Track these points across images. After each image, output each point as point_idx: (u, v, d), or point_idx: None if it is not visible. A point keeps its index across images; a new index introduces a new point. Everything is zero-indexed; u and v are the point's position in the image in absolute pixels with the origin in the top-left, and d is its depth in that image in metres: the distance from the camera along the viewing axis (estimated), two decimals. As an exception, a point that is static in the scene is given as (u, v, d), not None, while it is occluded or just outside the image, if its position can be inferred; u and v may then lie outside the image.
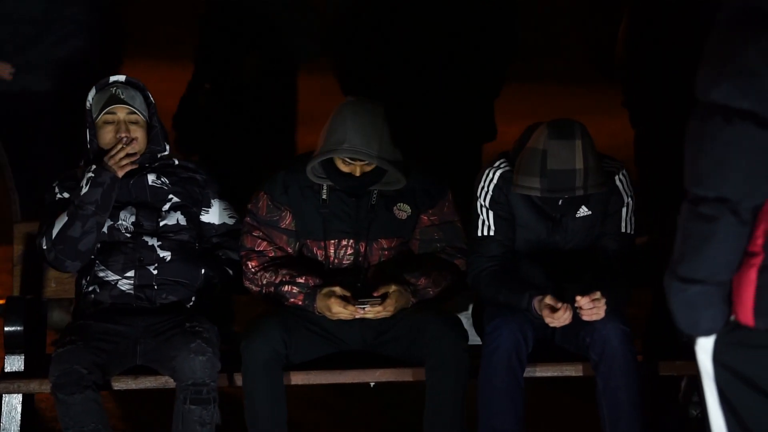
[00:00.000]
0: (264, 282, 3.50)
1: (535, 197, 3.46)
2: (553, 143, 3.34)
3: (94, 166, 3.52)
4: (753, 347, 2.14)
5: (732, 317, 2.16)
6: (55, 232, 3.51)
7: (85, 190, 3.49)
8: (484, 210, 3.52)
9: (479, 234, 3.52)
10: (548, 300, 3.36)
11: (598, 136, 3.68)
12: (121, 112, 3.57)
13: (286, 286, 3.45)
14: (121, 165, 3.50)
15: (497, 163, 3.53)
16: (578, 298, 3.33)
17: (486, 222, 3.52)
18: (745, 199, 2.11)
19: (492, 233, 3.51)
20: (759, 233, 2.12)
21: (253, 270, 3.52)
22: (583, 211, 3.51)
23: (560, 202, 3.47)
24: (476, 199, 3.53)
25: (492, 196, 3.50)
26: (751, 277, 2.13)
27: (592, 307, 3.33)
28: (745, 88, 2.09)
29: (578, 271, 3.47)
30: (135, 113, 3.56)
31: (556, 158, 3.34)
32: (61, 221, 3.51)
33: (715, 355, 2.17)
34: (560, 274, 3.50)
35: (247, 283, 3.56)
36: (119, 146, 3.50)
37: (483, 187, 3.52)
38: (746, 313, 2.13)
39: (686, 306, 2.16)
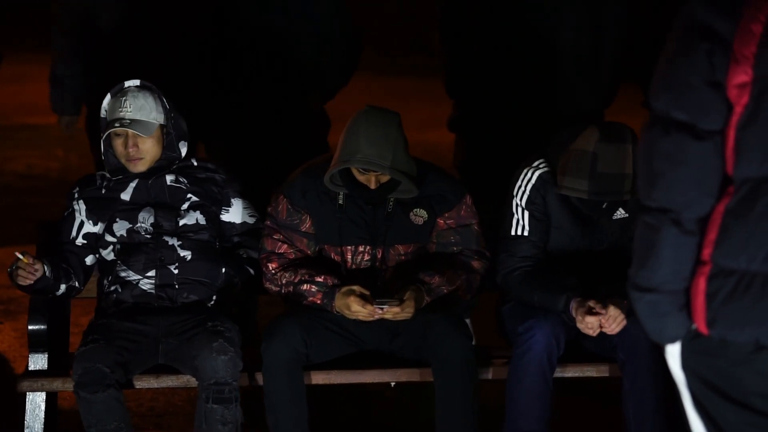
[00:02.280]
0: (283, 282, 3.52)
1: (575, 199, 3.44)
2: (604, 146, 3.32)
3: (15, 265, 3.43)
4: (712, 355, 2.15)
5: (693, 325, 2.16)
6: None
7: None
8: (519, 209, 3.51)
9: (512, 233, 3.50)
10: (591, 303, 3.33)
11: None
12: (129, 130, 3.56)
13: (305, 285, 3.47)
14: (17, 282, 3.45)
15: (536, 163, 3.50)
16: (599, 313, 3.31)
17: (521, 222, 3.51)
18: (686, 209, 2.12)
19: (526, 233, 3.50)
20: (707, 243, 2.12)
21: (272, 271, 3.54)
22: (620, 213, 3.50)
23: (604, 205, 3.46)
24: (512, 197, 3.51)
25: (529, 197, 3.48)
26: (701, 286, 2.13)
27: (612, 324, 3.32)
28: (681, 100, 2.10)
29: (611, 273, 3.43)
30: (143, 130, 3.53)
31: (607, 161, 3.32)
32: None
33: (683, 362, 2.18)
34: (592, 276, 3.48)
35: (267, 284, 3.57)
36: (17, 268, 3.42)
37: (520, 186, 3.50)
38: (700, 322, 2.14)
39: (646, 314, 2.17)
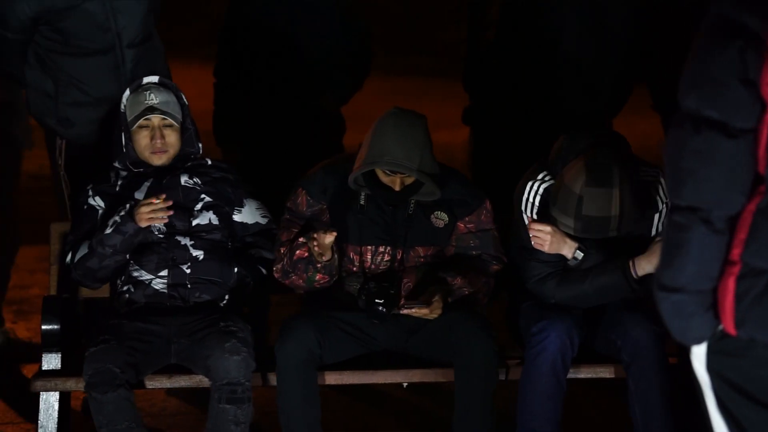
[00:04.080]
0: (285, 254, 3.50)
1: None
2: (590, 191, 3.30)
3: (123, 211, 3.49)
4: (739, 356, 2.13)
5: (720, 326, 2.15)
6: (77, 257, 3.55)
7: (108, 231, 3.49)
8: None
9: (532, 245, 3.48)
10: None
11: (631, 136, 3.67)
12: (155, 118, 3.60)
13: (297, 247, 3.45)
14: (147, 219, 3.47)
15: (540, 176, 3.50)
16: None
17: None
18: (716, 208, 2.10)
19: None
20: (737, 242, 2.11)
21: (281, 254, 3.52)
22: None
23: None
24: (521, 212, 3.50)
25: (538, 210, 3.48)
26: (730, 286, 2.11)
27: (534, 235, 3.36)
28: (713, 98, 2.08)
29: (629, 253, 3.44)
30: (169, 119, 3.59)
31: (592, 206, 3.31)
32: (83, 250, 3.54)
33: (708, 363, 2.17)
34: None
35: (277, 273, 3.53)
36: (154, 202, 3.45)
37: (527, 200, 3.49)
38: (728, 322, 2.13)
39: (672, 314, 2.16)
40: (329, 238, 3.36)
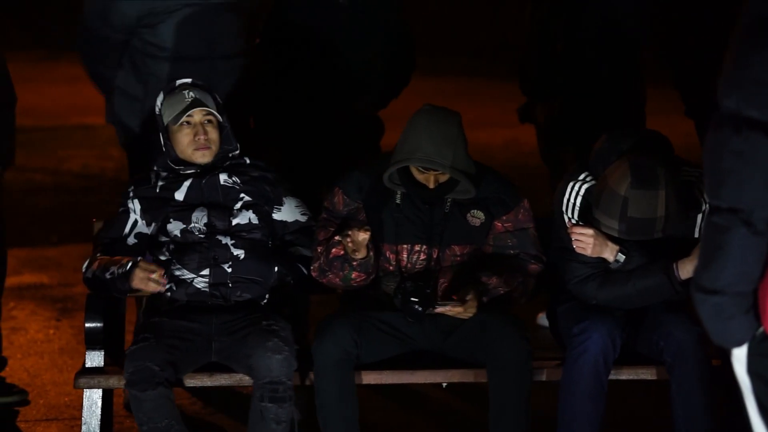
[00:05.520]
0: (322, 252, 3.51)
1: None
2: (636, 193, 3.28)
3: (122, 269, 3.47)
4: None
5: (761, 328, 2.12)
6: (87, 271, 3.59)
7: (107, 275, 3.51)
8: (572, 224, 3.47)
9: (573, 247, 3.46)
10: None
11: (673, 135, 3.65)
12: (197, 115, 3.63)
13: (333, 245, 3.46)
14: (139, 282, 3.47)
15: (582, 177, 3.48)
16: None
17: None
18: (757, 209, 2.08)
19: None
20: None
21: (319, 253, 3.54)
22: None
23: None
24: (562, 212, 3.49)
25: (580, 212, 3.46)
26: None
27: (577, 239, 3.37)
28: (754, 98, 2.06)
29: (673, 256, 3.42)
30: (211, 113, 3.63)
31: (637, 207, 3.28)
32: (92, 266, 3.56)
33: (749, 366, 2.14)
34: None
35: (314, 272, 3.54)
36: (153, 269, 3.45)
37: (569, 200, 3.48)
38: None
39: (711, 317, 2.13)
40: (363, 235, 3.37)
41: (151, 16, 4.00)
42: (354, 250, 3.41)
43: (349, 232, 3.39)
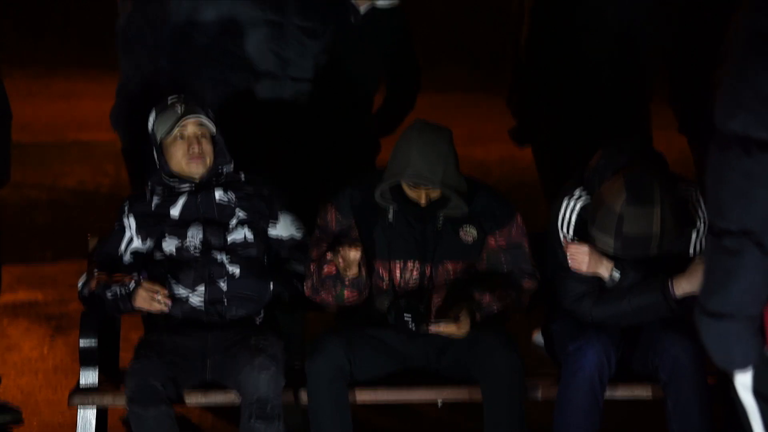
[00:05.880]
0: (314, 271, 3.50)
1: None
2: (631, 209, 3.27)
3: (124, 290, 3.49)
4: None
5: (767, 349, 2.10)
6: (84, 289, 3.58)
7: (108, 295, 3.51)
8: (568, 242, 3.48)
9: (569, 264, 3.46)
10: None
11: (669, 152, 3.65)
12: (190, 127, 3.62)
13: (324, 263, 3.46)
14: (143, 302, 3.48)
15: (576, 193, 3.48)
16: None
17: None
18: None
19: None
20: None
21: (311, 270, 3.54)
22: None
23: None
24: (558, 229, 3.49)
25: (576, 228, 3.46)
26: None
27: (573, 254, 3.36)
28: (763, 118, 2.02)
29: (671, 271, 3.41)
30: (204, 126, 3.62)
31: (633, 225, 3.28)
32: (90, 284, 3.56)
33: (755, 389, 2.11)
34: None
35: (307, 290, 3.54)
36: (156, 290, 3.47)
37: (564, 217, 3.48)
38: None
39: (717, 341, 2.09)
40: (354, 253, 3.37)
41: (234, 25, 4.06)
42: (345, 269, 3.40)
43: (340, 249, 3.38)
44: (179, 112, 3.61)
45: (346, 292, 3.47)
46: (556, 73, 4.42)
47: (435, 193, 3.48)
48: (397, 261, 3.53)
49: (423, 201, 3.48)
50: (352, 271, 3.42)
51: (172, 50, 4.09)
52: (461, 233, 3.54)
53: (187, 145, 3.61)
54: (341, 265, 3.40)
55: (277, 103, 4.09)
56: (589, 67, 4.39)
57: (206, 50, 4.09)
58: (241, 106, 4.10)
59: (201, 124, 3.62)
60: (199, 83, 4.06)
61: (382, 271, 3.55)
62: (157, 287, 3.47)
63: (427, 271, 3.53)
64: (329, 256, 3.47)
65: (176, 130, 3.61)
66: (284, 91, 4.11)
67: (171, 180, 3.65)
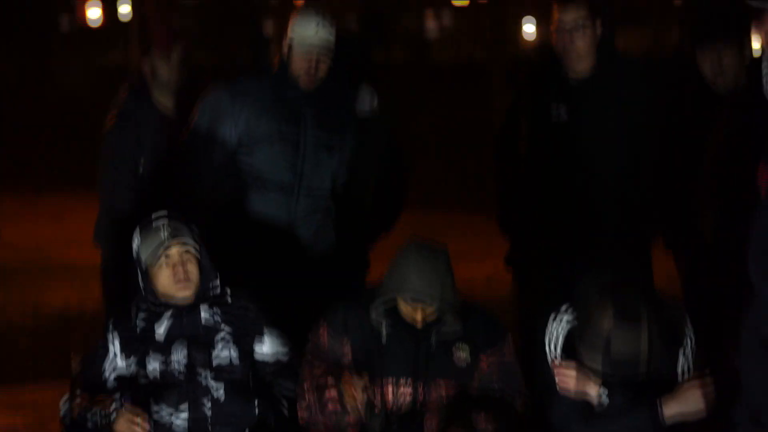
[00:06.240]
0: (310, 393, 3.47)
1: None
2: (618, 332, 3.29)
3: (114, 412, 3.48)
4: None
5: None
6: (66, 417, 3.56)
7: (91, 422, 3.50)
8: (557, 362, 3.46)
9: (557, 385, 3.44)
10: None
11: (656, 278, 3.65)
12: (175, 252, 3.61)
13: (323, 387, 3.43)
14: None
15: (563, 309, 3.48)
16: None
17: None
18: None
19: None
20: None
21: (305, 390, 3.50)
22: None
23: None
24: (545, 348, 3.48)
25: (563, 347, 3.46)
26: None
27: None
28: None
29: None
30: (189, 250, 3.61)
31: (621, 345, 3.29)
32: (72, 409, 3.53)
33: None
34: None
35: (301, 411, 3.50)
36: (136, 421, 3.47)
37: (551, 338, 3.47)
38: None
39: None
40: (361, 396, 3.37)
41: (250, 139, 4.12)
42: (353, 409, 3.39)
43: (346, 388, 3.38)
44: (162, 237, 3.60)
45: (347, 417, 3.44)
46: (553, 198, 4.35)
47: (430, 310, 3.48)
48: (389, 377, 3.51)
49: (419, 320, 3.48)
50: (360, 412, 3.39)
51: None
52: (454, 351, 3.53)
53: (173, 272, 3.59)
54: (349, 403, 3.39)
55: (287, 217, 4.10)
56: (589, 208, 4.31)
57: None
58: (241, 217, 4.13)
59: (185, 248, 3.60)
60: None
61: (374, 388, 3.52)
62: (138, 413, 3.43)
63: (420, 389, 3.50)
64: (330, 381, 3.44)
65: (162, 259, 3.59)
66: (300, 204, 4.16)
67: (156, 304, 3.63)
